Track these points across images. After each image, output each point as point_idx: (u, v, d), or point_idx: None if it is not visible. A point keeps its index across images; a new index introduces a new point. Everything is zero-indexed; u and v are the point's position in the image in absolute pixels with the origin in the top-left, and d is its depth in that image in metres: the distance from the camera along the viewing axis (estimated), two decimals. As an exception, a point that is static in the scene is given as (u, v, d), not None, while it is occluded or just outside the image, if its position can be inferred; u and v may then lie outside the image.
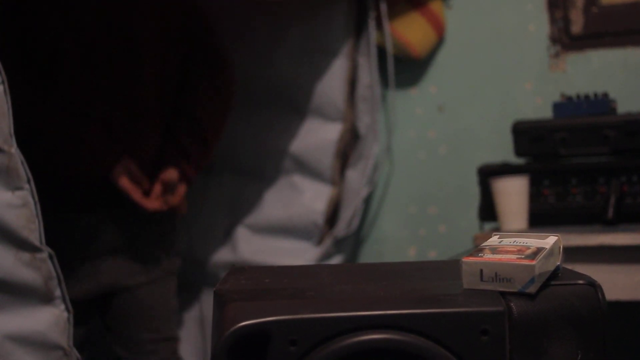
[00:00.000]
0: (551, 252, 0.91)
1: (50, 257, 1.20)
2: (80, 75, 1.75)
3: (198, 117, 1.92)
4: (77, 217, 1.79)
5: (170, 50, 1.89)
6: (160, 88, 1.86)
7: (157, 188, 1.84)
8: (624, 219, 1.89)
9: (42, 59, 1.72)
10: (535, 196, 1.98)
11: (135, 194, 1.78)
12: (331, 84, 2.31)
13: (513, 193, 1.92)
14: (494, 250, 0.91)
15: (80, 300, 1.74)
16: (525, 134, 2.03)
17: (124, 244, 1.85)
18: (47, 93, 1.72)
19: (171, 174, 1.85)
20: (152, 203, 1.82)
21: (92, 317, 1.90)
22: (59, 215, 1.71)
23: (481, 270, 0.87)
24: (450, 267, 1.02)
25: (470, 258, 0.89)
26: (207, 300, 2.38)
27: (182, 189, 1.89)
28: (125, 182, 1.76)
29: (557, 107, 2.08)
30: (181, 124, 1.92)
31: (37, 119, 1.69)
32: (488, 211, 2.02)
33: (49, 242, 1.62)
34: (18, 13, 1.69)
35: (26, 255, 1.17)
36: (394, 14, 2.34)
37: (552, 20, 2.33)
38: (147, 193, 1.84)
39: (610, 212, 1.86)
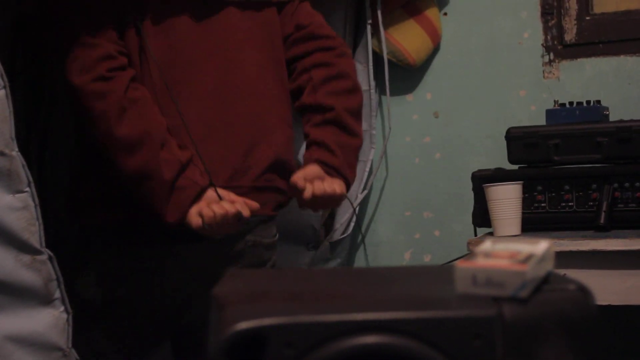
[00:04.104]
0: (543, 257, 0.93)
1: (50, 259, 1.21)
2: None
3: (327, 105, 1.61)
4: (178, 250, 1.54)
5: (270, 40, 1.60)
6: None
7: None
8: (616, 224, 1.91)
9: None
10: (528, 202, 2.00)
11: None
12: (328, 90, 2.32)
13: (506, 199, 1.93)
14: (487, 255, 0.92)
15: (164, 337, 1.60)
16: (519, 140, 2.05)
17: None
18: None
19: (311, 169, 1.54)
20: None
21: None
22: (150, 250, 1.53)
23: (474, 275, 0.89)
24: (444, 272, 1.03)
25: (463, 263, 0.91)
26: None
27: (335, 184, 1.55)
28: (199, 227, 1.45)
29: (550, 114, 2.10)
30: (308, 118, 1.63)
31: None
32: (482, 217, 2.03)
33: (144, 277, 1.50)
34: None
35: (26, 257, 1.18)
36: (390, 21, 2.37)
37: (546, 29, 2.35)
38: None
39: (603, 218, 1.88)
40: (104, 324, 1.53)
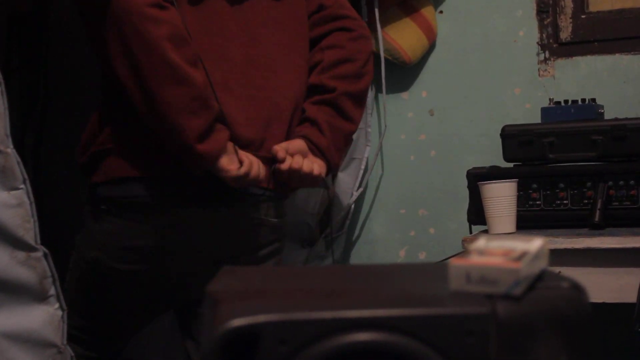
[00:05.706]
0: (537, 255, 0.93)
1: (45, 255, 1.22)
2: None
3: (329, 86, 1.63)
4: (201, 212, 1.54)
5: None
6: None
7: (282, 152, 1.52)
8: (611, 222, 1.91)
9: None
10: (523, 200, 2.01)
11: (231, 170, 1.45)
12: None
13: (501, 197, 1.94)
14: (481, 252, 0.93)
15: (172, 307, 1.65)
16: (514, 138, 2.05)
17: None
18: None
19: (296, 143, 1.56)
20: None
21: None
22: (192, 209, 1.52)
23: (468, 273, 0.89)
24: (438, 270, 1.04)
25: (457, 261, 0.91)
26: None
27: (315, 164, 1.57)
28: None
29: (545, 112, 2.11)
30: (309, 96, 1.65)
31: None
32: (477, 214, 2.04)
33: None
34: None
35: (21, 254, 1.18)
36: (386, 19, 2.37)
37: (541, 27, 2.36)
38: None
39: (597, 216, 1.89)
40: (108, 291, 1.54)
